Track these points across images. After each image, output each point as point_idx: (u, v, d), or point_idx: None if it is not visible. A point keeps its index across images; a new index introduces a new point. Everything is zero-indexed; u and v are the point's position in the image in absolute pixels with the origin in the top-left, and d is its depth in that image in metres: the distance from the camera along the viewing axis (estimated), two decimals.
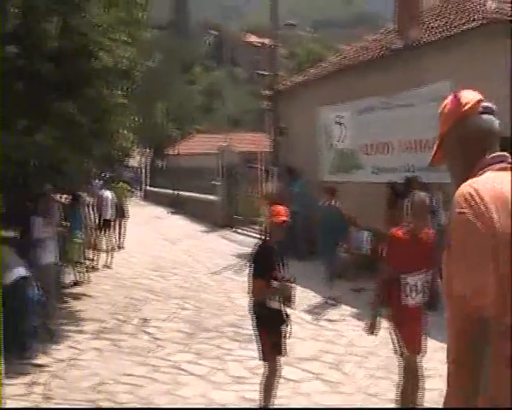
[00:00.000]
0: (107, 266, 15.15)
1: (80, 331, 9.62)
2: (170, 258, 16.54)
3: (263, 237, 17.46)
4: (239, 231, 21.05)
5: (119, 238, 17.98)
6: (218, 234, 21.07)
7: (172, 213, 29.35)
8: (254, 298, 5.80)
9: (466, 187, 2.03)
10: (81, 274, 13.26)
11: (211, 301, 11.36)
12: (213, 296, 11.72)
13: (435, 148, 2.36)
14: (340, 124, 15.43)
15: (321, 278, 11.19)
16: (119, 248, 17.61)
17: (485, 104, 2.25)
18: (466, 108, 2.21)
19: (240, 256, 16.13)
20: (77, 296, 12.03)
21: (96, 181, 16.42)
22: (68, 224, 12.10)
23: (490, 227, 1.93)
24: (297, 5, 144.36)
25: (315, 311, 10.28)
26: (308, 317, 9.90)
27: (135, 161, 41.48)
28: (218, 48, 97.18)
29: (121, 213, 17.75)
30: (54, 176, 11.02)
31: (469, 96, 2.26)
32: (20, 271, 8.28)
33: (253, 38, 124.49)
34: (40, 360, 8.23)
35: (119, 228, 17.95)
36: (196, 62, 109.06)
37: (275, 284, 5.59)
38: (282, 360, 6.02)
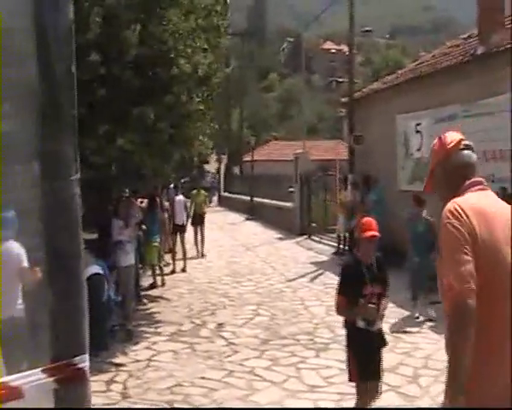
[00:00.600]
0: (182, 270, 15.41)
1: (157, 333, 9.82)
2: (245, 264, 16.64)
3: (341, 247, 17.31)
4: (315, 238, 20.97)
5: (201, 246, 17.89)
6: (294, 241, 21.04)
7: (247, 219, 29.56)
8: (338, 315, 5.56)
9: (451, 204, 2.61)
10: (158, 277, 13.55)
11: (286, 308, 11.34)
12: (288, 304, 11.70)
13: (427, 178, 2.97)
14: (419, 132, 15.13)
15: (405, 291, 10.79)
16: (202, 256, 17.62)
17: (465, 142, 2.85)
18: (450, 146, 2.82)
19: (315, 264, 16.06)
20: (154, 299, 12.31)
21: (171, 186, 16.63)
22: (145, 227, 12.33)
23: (471, 232, 2.49)
24: (374, 12, 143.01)
25: (392, 323, 10.07)
26: (385, 328, 9.70)
27: (211, 166, 42.13)
28: (294, 55, 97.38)
29: (201, 221, 17.70)
30: (133, 180, 11.33)
31: (453, 137, 2.87)
32: (94, 268, 8.53)
33: (329, 45, 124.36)
34: (118, 359, 8.49)
35: (196, 235, 17.84)
36: (273, 69, 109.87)
37: (361, 302, 5.24)
38: None
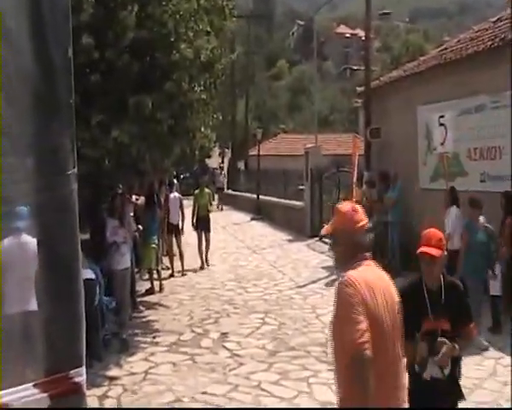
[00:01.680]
0: (182, 274, 15.36)
1: (155, 343, 9.83)
2: (251, 268, 16.64)
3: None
4: (327, 240, 20.89)
5: (206, 254, 17.12)
6: (304, 243, 21.01)
7: (253, 219, 29.53)
8: None
9: (347, 275, 3.43)
10: (156, 282, 13.52)
11: (296, 316, 11.33)
12: (299, 312, 11.69)
13: (330, 225, 3.82)
14: (442, 125, 15.05)
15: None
16: (206, 264, 16.95)
17: (368, 226, 3.65)
18: (358, 226, 3.61)
19: (328, 268, 16.03)
20: (151, 306, 12.31)
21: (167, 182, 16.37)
22: (141, 227, 12.25)
23: (362, 299, 3.32)
24: None
25: None
26: None
27: (214, 161, 42.03)
28: (305, 40, 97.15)
29: (206, 226, 16.97)
30: (129, 175, 11.29)
31: (361, 217, 3.64)
32: (86, 273, 8.53)
33: (343, 29, 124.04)
34: (112, 371, 8.49)
35: (200, 241, 16.97)
36: (281, 56, 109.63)
37: (416, 337, 4.53)
38: None
